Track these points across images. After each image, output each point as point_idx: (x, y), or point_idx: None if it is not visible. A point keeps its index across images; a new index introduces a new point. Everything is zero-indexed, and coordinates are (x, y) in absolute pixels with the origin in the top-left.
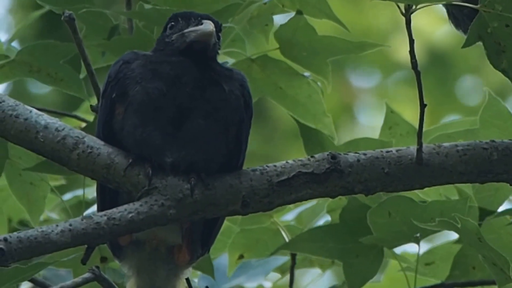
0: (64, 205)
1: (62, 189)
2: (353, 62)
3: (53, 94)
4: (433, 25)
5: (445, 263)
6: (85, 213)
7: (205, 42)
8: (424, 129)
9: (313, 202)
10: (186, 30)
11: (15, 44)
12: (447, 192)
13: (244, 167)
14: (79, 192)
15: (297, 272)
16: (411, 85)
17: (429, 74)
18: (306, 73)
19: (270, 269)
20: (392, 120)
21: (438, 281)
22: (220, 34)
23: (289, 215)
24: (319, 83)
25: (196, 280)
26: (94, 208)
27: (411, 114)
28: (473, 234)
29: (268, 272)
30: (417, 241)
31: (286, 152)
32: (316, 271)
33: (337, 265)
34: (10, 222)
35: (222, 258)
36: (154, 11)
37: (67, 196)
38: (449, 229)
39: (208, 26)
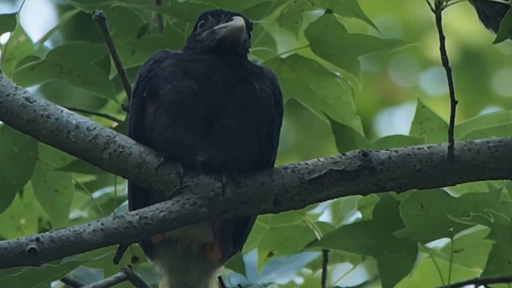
0: (95, 203)
1: (91, 186)
2: (390, 58)
3: (83, 94)
4: (466, 23)
5: (474, 251)
6: (115, 211)
7: (235, 38)
8: (455, 124)
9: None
10: (216, 27)
11: (47, 44)
12: (479, 189)
13: (282, 160)
14: (109, 189)
15: (328, 267)
16: (445, 82)
17: (463, 71)
18: (336, 73)
19: (301, 265)
20: (423, 115)
21: (468, 269)
22: (250, 32)
23: (318, 208)
24: (349, 83)
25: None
26: (125, 205)
27: (445, 112)
28: (506, 229)
29: (299, 268)
30: (451, 236)
31: (325, 145)
32: (348, 266)
33: (368, 260)
34: (40, 221)
35: (252, 255)
36: (186, 5)
37: (97, 194)
38: (483, 224)
39: (238, 21)
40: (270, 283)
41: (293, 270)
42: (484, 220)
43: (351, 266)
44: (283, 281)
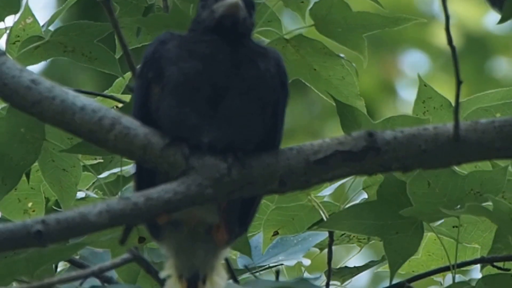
0: (101, 184)
1: (98, 168)
2: (395, 41)
3: (88, 77)
4: (470, 9)
5: (473, 227)
6: (122, 190)
7: (232, 16)
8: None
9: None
10: (214, 6)
11: (52, 28)
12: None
13: (287, 142)
14: (116, 170)
15: (334, 248)
16: (450, 70)
17: (467, 59)
18: (341, 54)
19: (309, 246)
20: (425, 93)
21: (469, 245)
22: (252, 12)
23: (325, 191)
24: (354, 64)
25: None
26: (130, 186)
27: (449, 96)
28: (506, 215)
29: (307, 250)
30: (457, 215)
31: (327, 129)
32: (354, 247)
33: (374, 241)
34: (47, 202)
35: (259, 237)
36: None
37: (104, 174)
38: (481, 215)
39: None
40: (278, 265)
41: (301, 251)
42: (481, 209)
43: (357, 248)
44: (291, 262)
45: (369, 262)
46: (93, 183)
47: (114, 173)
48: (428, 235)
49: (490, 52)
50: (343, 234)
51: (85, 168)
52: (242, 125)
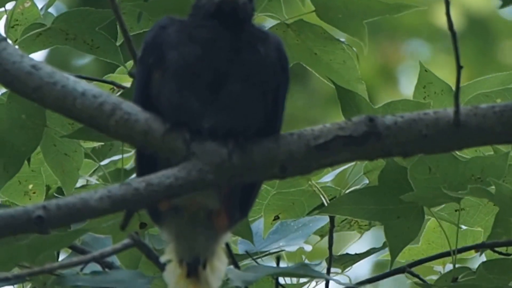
0: (103, 171)
1: (98, 155)
2: (395, 26)
3: (89, 63)
4: None
5: (475, 210)
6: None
7: (232, 1)
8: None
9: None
10: None
11: (52, 10)
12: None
13: (287, 127)
14: (116, 157)
15: (336, 235)
16: (452, 52)
17: (469, 41)
18: (342, 39)
19: (309, 232)
20: (426, 78)
21: (471, 228)
22: None
23: (328, 177)
24: (354, 49)
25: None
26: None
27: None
28: (507, 198)
29: (308, 235)
30: (458, 200)
31: (327, 116)
32: (356, 235)
33: (375, 228)
34: (48, 190)
35: (260, 222)
36: None
37: (104, 162)
38: (483, 197)
39: None
40: (279, 251)
41: (301, 237)
42: (483, 192)
43: (358, 235)
44: (292, 248)
45: (370, 249)
46: (94, 170)
47: (115, 161)
48: (428, 224)
49: (493, 35)
50: (343, 220)
51: (86, 155)
52: (242, 110)
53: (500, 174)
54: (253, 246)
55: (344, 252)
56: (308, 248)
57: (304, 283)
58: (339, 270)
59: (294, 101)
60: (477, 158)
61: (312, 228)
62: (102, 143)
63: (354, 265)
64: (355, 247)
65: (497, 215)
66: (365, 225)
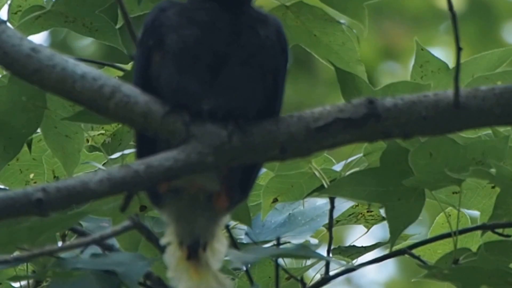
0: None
1: (107, 149)
2: (396, 9)
3: (90, 46)
4: None
5: (472, 193)
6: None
7: None
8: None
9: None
10: None
11: None
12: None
13: (287, 111)
14: (127, 151)
15: (342, 228)
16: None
17: (470, 21)
18: (342, 20)
19: (317, 227)
20: (422, 57)
21: (469, 210)
22: None
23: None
24: (354, 31)
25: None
26: None
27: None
28: (509, 180)
29: (315, 230)
30: (459, 183)
31: (331, 101)
32: (361, 228)
33: (384, 223)
34: (54, 177)
35: (269, 215)
36: None
37: (114, 156)
38: (484, 178)
39: None
40: (285, 243)
41: (309, 231)
42: (485, 173)
43: (365, 229)
44: (298, 240)
45: (377, 243)
46: (103, 164)
47: (125, 154)
48: (436, 219)
49: (495, 15)
50: (350, 214)
51: (96, 148)
52: (242, 92)
53: (501, 158)
54: (253, 234)
55: (352, 244)
56: (314, 241)
57: (309, 266)
58: (345, 262)
59: (299, 86)
60: (478, 142)
61: (320, 223)
62: (111, 138)
63: (359, 258)
64: (362, 241)
65: (497, 197)
66: (372, 219)
